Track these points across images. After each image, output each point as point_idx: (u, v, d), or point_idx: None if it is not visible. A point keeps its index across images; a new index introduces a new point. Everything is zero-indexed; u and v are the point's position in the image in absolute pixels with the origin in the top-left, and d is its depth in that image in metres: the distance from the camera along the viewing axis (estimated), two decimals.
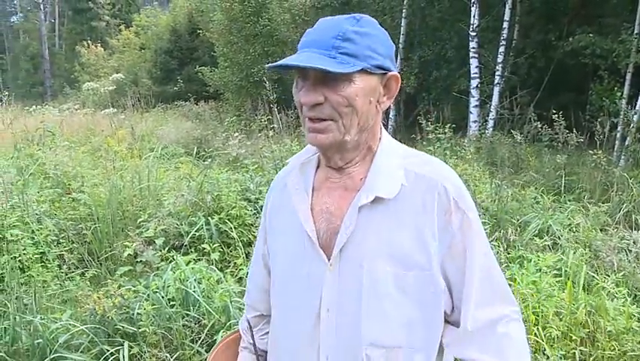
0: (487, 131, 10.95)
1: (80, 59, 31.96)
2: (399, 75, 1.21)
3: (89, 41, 32.36)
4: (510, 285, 3.55)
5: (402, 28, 14.21)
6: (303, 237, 1.26)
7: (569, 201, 6.18)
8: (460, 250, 1.19)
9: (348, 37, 1.14)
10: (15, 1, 55.84)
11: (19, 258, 4.14)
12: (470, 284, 1.20)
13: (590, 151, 7.45)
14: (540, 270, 3.88)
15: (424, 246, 1.17)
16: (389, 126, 14.12)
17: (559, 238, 4.84)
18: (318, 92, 1.15)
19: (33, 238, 4.41)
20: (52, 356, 3.01)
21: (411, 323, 1.19)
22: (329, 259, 1.21)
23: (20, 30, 49.62)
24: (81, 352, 3.09)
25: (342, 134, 1.17)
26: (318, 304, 1.23)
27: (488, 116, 11.64)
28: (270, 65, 1.17)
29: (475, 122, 11.47)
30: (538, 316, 3.44)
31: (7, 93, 16.42)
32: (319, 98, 1.15)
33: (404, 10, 14.15)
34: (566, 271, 4.03)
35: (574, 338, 3.37)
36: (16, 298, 3.54)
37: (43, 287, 3.92)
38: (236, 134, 7.05)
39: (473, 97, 11.67)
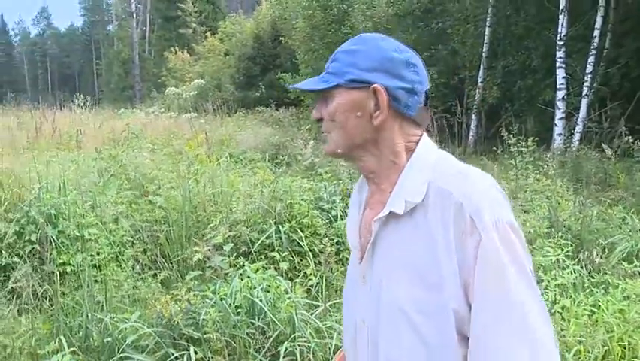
0: (572, 145, 10.44)
1: (168, 65, 33.29)
2: (381, 87, 1.17)
3: (177, 47, 33.66)
4: (594, 312, 3.37)
5: (485, 37, 13.85)
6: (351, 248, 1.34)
7: None
8: (472, 275, 1.08)
9: (335, 58, 1.23)
10: (112, 11, 59.00)
11: (96, 257, 4.29)
12: (478, 323, 1.08)
13: None
14: (628, 297, 3.61)
15: (437, 266, 1.11)
16: (470, 137, 13.76)
17: None
18: (318, 109, 1.26)
19: (109, 237, 4.56)
20: (119, 356, 3.08)
21: (425, 345, 1.13)
22: (362, 274, 1.26)
23: (114, 37, 52.48)
24: (147, 353, 3.14)
25: (336, 146, 1.24)
26: (355, 314, 1.28)
27: (574, 129, 11.11)
28: (289, 86, 1.34)
29: (560, 135, 10.98)
30: (625, 348, 3.19)
31: (100, 97, 17.32)
32: (317, 115, 1.26)
33: (488, 19, 13.79)
34: None
35: None
36: (90, 296, 3.66)
37: (117, 286, 4.04)
38: (312, 141, 7.02)
39: (559, 109, 11.18)
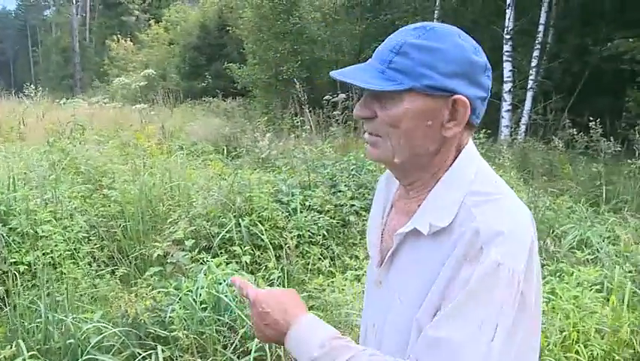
0: (519, 137, 10.75)
1: (110, 53, 32.33)
2: (465, 98, 1.04)
3: (119, 35, 32.72)
4: (551, 299, 3.49)
5: None
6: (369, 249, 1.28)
7: (607, 212, 6.00)
8: (449, 298, 0.99)
9: (403, 51, 1.04)
10: None
11: (51, 254, 4.14)
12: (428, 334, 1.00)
13: (629, 160, 7.23)
14: (580, 284, 3.76)
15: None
16: None
17: (597, 251, 4.70)
18: (368, 106, 1.09)
19: (64, 234, 4.40)
20: (84, 358, 2.98)
21: None
22: (379, 280, 1.20)
23: (52, 23, 50.54)
24: (112, 354, 3.06)
25: (392, 154, 1.09)
26: (368, 316, 1.26)
27: (520, 121, 11.44)
28: (331, 73, 1.11)
29: (506, 126, 11.29)
30: (579, 332, 3.32)
31: (39, 87, 16.68)
32: (366, 113, 1.09)
33: (436, 12, 14.00)
34: (608, 286, 3.89)
35: (617, 357, 3.24)
36: (47, 295, 3.53)
37: (74, 285, 3.91)
38: (268, 134, 6.98)
39: (505, 101, 11.49)
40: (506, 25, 11.46)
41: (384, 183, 1.30)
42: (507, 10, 11.45)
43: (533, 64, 11.48)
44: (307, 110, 7.33)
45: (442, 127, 1.06)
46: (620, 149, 7.63)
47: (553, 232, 5.07)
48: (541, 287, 1.09)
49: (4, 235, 4.21)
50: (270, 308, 1.15)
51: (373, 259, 1.24)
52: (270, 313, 1.15)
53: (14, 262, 4.09)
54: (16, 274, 4.01)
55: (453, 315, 0.98)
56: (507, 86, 11.52)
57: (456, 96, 1.04)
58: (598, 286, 3.86)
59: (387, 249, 1.18)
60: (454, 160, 1.11)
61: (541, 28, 11.40)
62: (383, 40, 1.11)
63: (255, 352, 3.02)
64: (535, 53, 11.49)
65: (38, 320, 3.36)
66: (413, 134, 1.06)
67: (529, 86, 11.49)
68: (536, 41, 11.46)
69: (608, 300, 3.61)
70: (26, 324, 3.38)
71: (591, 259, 4.50)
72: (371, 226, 1.28)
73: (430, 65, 1.02)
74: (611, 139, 7.70)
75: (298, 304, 1.17)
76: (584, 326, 3.36)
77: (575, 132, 8.36)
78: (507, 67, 11.52)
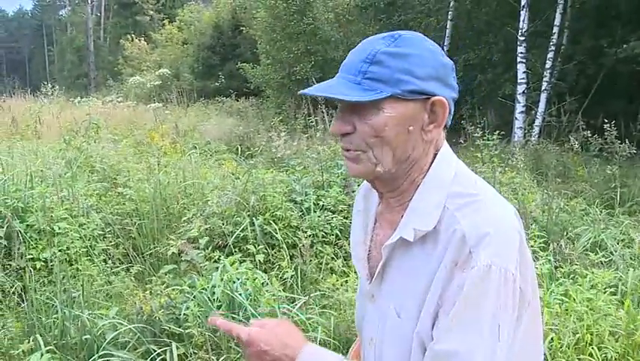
0: (532, 139, 10.69)
1: (124, 53, 32.54)
2: (444, 99, 1.05)
3: (133, 35, 32.92)
4: (564, 302, 3.48)
5: (447, 30, 14.02)
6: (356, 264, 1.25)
7: (622, 214, 5.97)
8: (446, 307, 1.00)
9: (377, 60, 1.04)
10: None
11: (67, 251, 4.19)
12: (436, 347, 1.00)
13: None
14: (594, 286, 3.75)
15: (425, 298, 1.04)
16: None
17: (612, 254, 4.68)
18: (346, 121, 1.07)
19: (80, 231, 4.45)
20: (100, 353, 3.02)
21: None
22: (371, 293, 1.18)
23: (68, 23, 50.95)
24: (127, 350, 3.09)
25: (374, 165, 1.07)
26: (364, 331, 1.23)
27: (534, 123, 11.38)
28: (302, 91, 1.10)
29: (520, 128, 11.23)
30: (592, 335, 3.31)
31: (54, 86, 16.83)
32: (346, 128, 1.07)
33: (450, 12, 13.96)
34: (622, 289, 3.88)
35: (631, 360, 3.23)
36: (64, 292, 3.58)
37: (89, 281, 3.95)
38: (283, 134, 7.00)
39: (519, 103, 11.42)
40: (520, 26, 11.40)
41: (361, 196, 1.29)
42: (521, 12, 11.39)
43: (547, 65, 11.41)
44: (321, 111, 7.34)
45: (423, 131, 1.07)
46: (635, 151, 7.58)
47: (567, 234, 5.05)
48: (535, 276, 1.10)
49: (22, 231, 4.27)
50: (269, 346, 1.11)
51: (361, 273, 1.21)
52: (269, 351, 1.11)
53: (31, 258, 4.14)
54: (33, 270, 4.07)
55: (454, 326, 0.98)
56: (521, 88, 11.46)
57: (434, 98, 1.05)
58: (612, 289, 3.85)
59: (377, 262, 1.16)
60: (432, 163, 1.11)
61: (555, 29, 11.32)
62: None
63: None
64: (550, 55, 11.41)
65: (55, 316, 3.41)
66: (396, 142, 1.05)
67: (543, 88, 11.41)
68: (551, 43, 11.39)
69: (623, 303, 3.60)
70: (43, 319, 3.43)
71: (605, 262, 4.49)
72: (354, 241, 1.25)
73: (406, 71, 1.03)
74: (626, 141, 7.64)
75: (296, 334, 1.15)
76: (597, 329, 3.35)
77: (590, 134, 8.31)
78: (521, 68, 11.45)
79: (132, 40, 32.09)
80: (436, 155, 1.11)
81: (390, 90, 1.02)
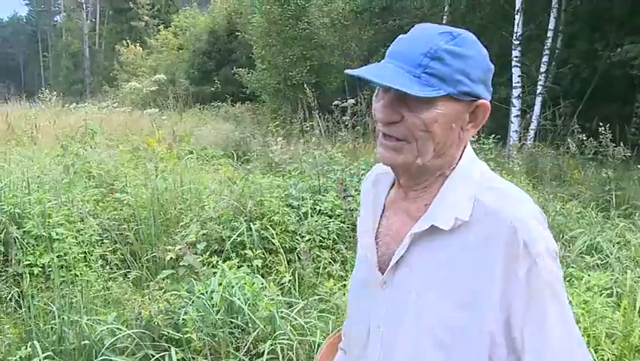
0: (527, 142, 10.73)
1: (119, 58, 32.53)
2: (488, 103, 1.11)
3: (128, 41, 32.93)
4: None
5: None
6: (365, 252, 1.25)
7: (617, 217, 5.99)
8: (524, 302, 1.05)
9: (438, 56, 1.05)
10: (59, 1, 57.27)
11: (64, 257, 4.18)
12: (534, 348, 1.06)
13: (639, 165, 7.23)
14: (590, 289, 3.76)
15: (478, 288, 1.07)
16: None
17: (607, 256, 4.70)
18: (395, 110, 1.08)
19: (77, 237, 4.45)
20: (98, 359, 3.02)
21: None
22: (383, 280, 1.19)
23: (63, 29, 50.90)
24: (126, 356, 3.09)
25: (415, 157, 1.09)
26: (369, 319, 1.22)
27: (529, 126, 11.42)
28: (349, 71, 1.10)
29: (515, 132, 11.26)
30: (589, 337, 3.32)
31: (49, 92, 16.83)
32: (395, 117, 1.08)
33: (445, 17, 14.02)
34: (618, 291, 3.89)
35: None
36: (61, 297, 3.58)
37: (87, 287, 3.95)
38: (280, 138, 7.02)
39: (514, 106, 11.47)
40: (515, 30, 11.45)
41: (370, 185, 1.31)
42: (516, 16, 11.44)
43: (542, 69, 11.47)
44: (317, 115, 7.36)
45: (462, 130, 1.11)
46: (629, 154, 7.62)
47: (562, 237, 5.07)
48: None
49: (19, 237, 4.27)
50: None
51: (370, 260, 1.22)
52: None
53: (29, 264, 4.14)
54: (30, 276, 4.07)
55: (537, 327, 1.05)
56: (516, 92, 11.50)
57: (480, 101, 1.09)
58: (608, 291, 3.86)
59: (388, 250, 1.18)
60: (459, 159, 1.15)
61: (550, 33, 11.38)
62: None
63: (267, 354, 3.05)
64: (544, 59, 11.47)
65: (53, 322, 3.41)
66: (440, 137, 1.08)
67: (538, 92, 11.47)
68: (545, 47, 11.45)
69: (619, 305, 3.61)
70: (41, 325, 3.44)
71: (601, 264, 4.51)
72: (363, 230, 1.27)
73: (463, 72, 1.05)
74: (621, 144, 7.69)
75: None
76: (594, 331, 3.36)
77: (585, 138, 8.35)
78: (516, 72, 11.50)
79: (128, 45, 32.09)
80: (463, 151, 1.16)
81: (447, 89, 1.05)
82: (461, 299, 1.08)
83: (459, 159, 1.15)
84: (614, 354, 3.24)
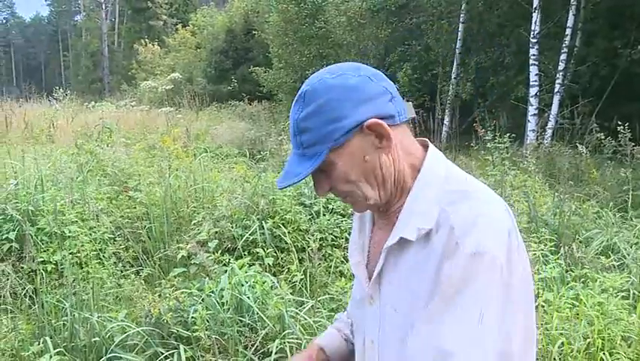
0: (545, 141, 10.62)
1: (137, 57, 32.82)
2: (375, 119, 1.06)
3: (147, 40, 33.20)
4: (574, 306, 3.44)
5: (459, 33, 13.98)
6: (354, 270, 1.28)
7: (635, 217, 5.89)
8: (431, 298, 1.03)
9: (301, 129, 1.09)
10: (79, 1, 57.94)
11: (77, 254, 4.22)
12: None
13: None
14: (605, 291, 3.70)
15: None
16: (443, 132, 13.89)
17: (624, 258, 4.62)
18: (321, 184, 1.14)
19: (90, 234, 4.49)
20: (108, 356, 3.04)
21: None
22: (370, 295, 1.20)
23: (82, 28, 51.49)
24: (136, 353, 3.11)
25: (366, 200, 1.13)
26: (364, 331, 1.24)
27: (547, 125, 11.29)
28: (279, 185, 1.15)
29: (533, 131, 11.15)
30: (604, 340, 3.27)
31: (67, 90, 17.03)
32: (325, 187, 1.14)
33: (462, 15, 13.91)
34: (635, 293, 3.82)
35: None
36: (74, 294, 3.60)
37: (99, 284, 3.98)
38: None
39: (532, 105, 11.35)
40: (533, 28, 11.33)
41: None
42: (533, 14, 11.32)
43: (560, 67, 11.33)
44: None
45: (379, 150, 1.09)
46: None
47: (578, 238, 5.00)
48: (530, 270, 1.12)
49: (33, 234, 4.31)
50: None
51: (360, 277, 1.23)
52: None
53: (42, 261, 4.18)
54: (44, 273, 4.11)
55: (438, 311, 1.02)
56: (533, 90, 11.39)
57: (365, 123, 1.07)
58: (624, 293, 3.80)
59: (375, 266, 1.18)
60: (423, 160, 1.14)
61: (568, 31, 11.24)
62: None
63: (275, 353, 3.04)
64: (563, 57, 11.33)
65: (64, 318, 3.44)
66: (365, 174, 1.10)
67: (555, 90, 11.33)
68: (563, 45, 11.31)
69: (635, 307, 3.55)
70: (53, 322, 3.47)
71: (617, 266, 4.43)
72: (353, 247, 1.29)
73: (329, 121, 1.06)
74: None
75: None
76: (609, 334, 3.30)
77: (603, 137, 8.23)
78: (533, 71, 11.38)
79: (146, 44, 32.38)
80: (409, 151, 1.14)
81: (326, 146, 1.07)
82: (412, 311, 1.07)
83: (420, 166, 1.14)
84: (629, 358, 3.18)
